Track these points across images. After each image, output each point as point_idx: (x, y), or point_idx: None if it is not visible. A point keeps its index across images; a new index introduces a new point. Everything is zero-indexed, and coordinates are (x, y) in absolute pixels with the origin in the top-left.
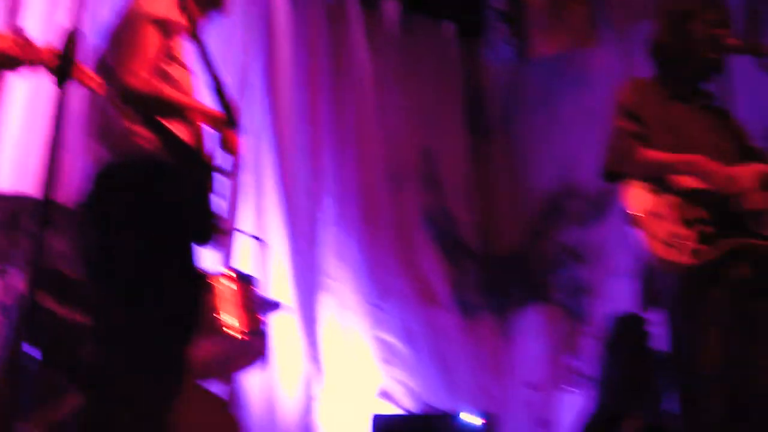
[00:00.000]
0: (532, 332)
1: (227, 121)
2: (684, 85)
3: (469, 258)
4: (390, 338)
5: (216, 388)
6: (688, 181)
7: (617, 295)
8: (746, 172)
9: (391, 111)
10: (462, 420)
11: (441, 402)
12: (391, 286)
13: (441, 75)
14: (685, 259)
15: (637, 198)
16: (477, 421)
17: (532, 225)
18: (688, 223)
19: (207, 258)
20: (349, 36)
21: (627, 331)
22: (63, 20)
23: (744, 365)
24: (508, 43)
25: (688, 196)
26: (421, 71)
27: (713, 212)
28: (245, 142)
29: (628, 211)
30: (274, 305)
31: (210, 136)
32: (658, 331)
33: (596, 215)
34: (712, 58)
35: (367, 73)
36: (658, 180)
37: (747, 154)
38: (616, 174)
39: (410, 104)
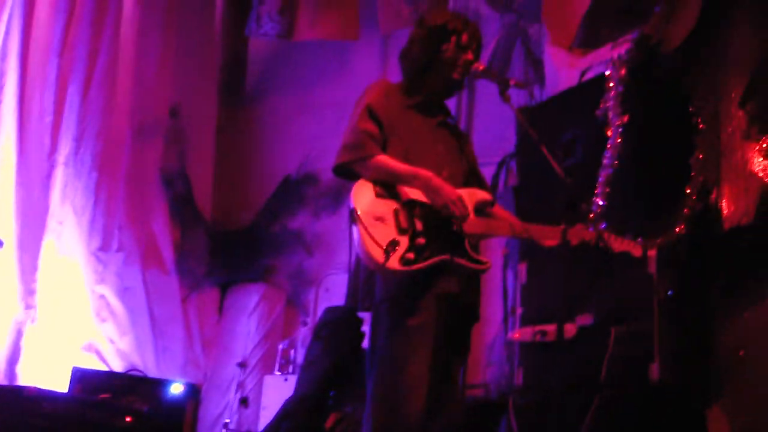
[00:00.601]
0: (250, 312)
1: None
2: (427, 98)
3: (200, 226)
4: (107, 293)
5: None
6: (413, 192)
7: (338, 289)
8: (467, 196)
9: (148, 61)
10: (164, 386)
11: (148, 365)
12: (115, 240)
13: (204, 36)
14: (395, 265)
15: (361, 197)
16: (179, 389)
17: (267, 205)
18: (403, 231)
19: None
20: None
21: (339, 326)
22: None
23: (440, 376)
24: (273, 20)
25: (410, 205)
26: (186, 28)
27: (430, 226)
28: None
29: (351, 208)
30: None
31: None
32: (368, 330)
33: (332, 207)
34: (457, 79)
35: (130, 16)
36: (385, 184)
37: (472, 178)
38: (346, 170)
39: (168, 59)
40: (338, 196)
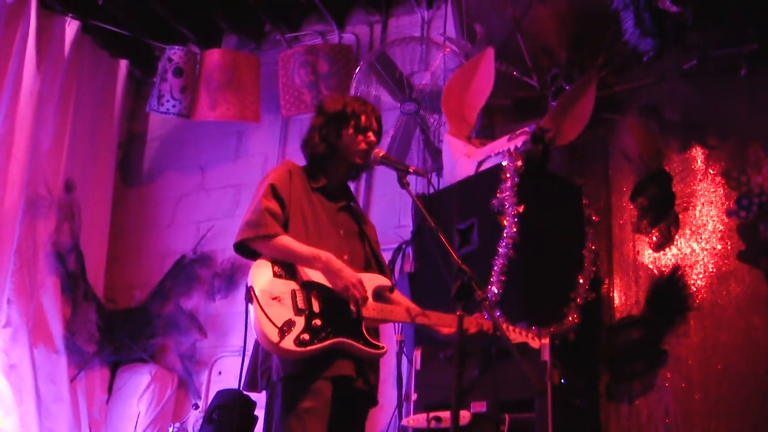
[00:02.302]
0: (140, 393)
1: None
2: (330, 183)
3: (92, 303)
4: None
5: None
6: (312, 273)
7: (231, 371)
8: (367, 280)
9: (45, 134)
10: None
11: None
12: (3, 315)
13: (104, 111)
14: (289, 345)
15: (259, 276)
16: None
17: (161, 285)
18: (300, 311)
19: None
20: (23, 41)
21: (231, 410)
22: None
23: None
24: (175, 98)
25: (308, 287)
26: (85, 102)
27: (328, 308)
28: None
29: (248, 286)
30: None
31: None
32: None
33: (226, 288)
34: (359, 164)
35: (29, 86)
36: (284, 264)
37: (372, 263)
38: (246, 247)
39: (65, 132)
40: (233, 278)
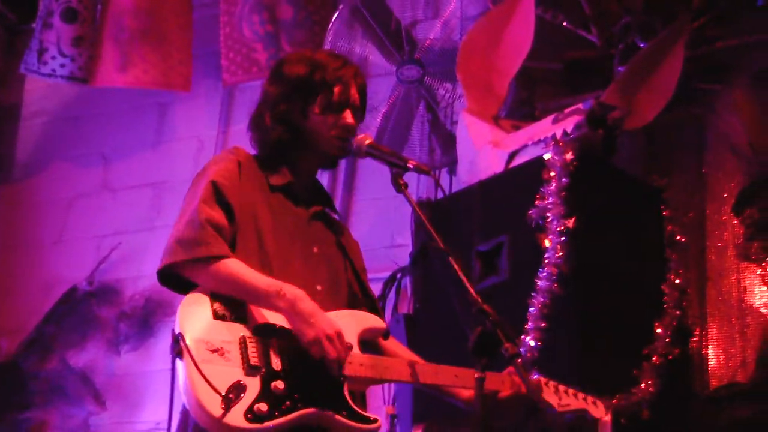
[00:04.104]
0: None
1: None
2: (296, 177)
3: None
4: None
5: None
6: (270, 313)
7: None
8: (351, 322)
9: None
10: None
11: None
12: None
13: None
14: (238, 421)
15: (192, 318)
16: None
17: (40, 329)
18: (253, 370)
19: None
20: None
21: None
22: None
23: None
24: (64, 54)
25: (264, 333)
26: None
27: (294, 364)
28: None
29: (176, 333)
30: None
31: None
32: None
33: (138, 336)
34: (333, 156)
35: None
36: (229, 300)
37: (358, 296)
38: (175, 276)
39: None
40: (148, 321)
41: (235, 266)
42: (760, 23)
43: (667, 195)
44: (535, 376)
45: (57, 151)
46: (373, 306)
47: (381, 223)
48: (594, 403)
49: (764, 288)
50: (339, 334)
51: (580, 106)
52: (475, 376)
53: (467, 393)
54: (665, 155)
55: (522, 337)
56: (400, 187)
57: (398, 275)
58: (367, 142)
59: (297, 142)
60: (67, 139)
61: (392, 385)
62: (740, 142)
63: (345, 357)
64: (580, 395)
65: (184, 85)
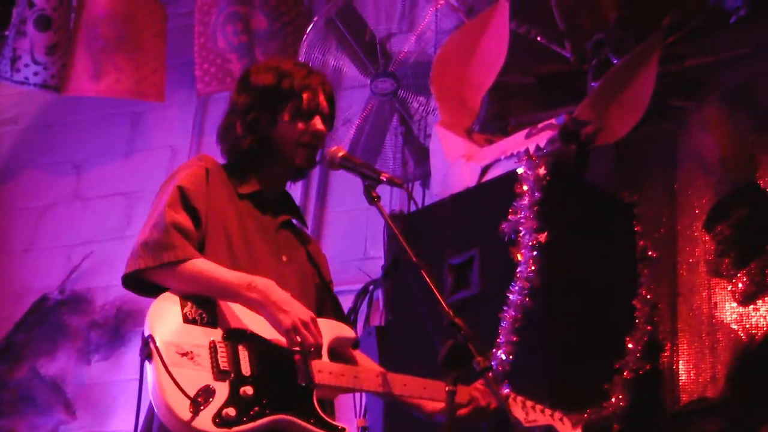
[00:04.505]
0: None
1: None
2: (264, 186)
3: None
4: None
5: None
6: (243, 316)
7: None
8: (322, 329)
9: None
10: None
11: None
12: None
13: None
14: (206, 425)
15: (163, 321)
16: None
17: (10, 338)
18: (223, 374)
19: None
20: None
21: None
22: None
23: None
24: (38, 62)
25: (235, 337)
26: None
27: (264, 369)
28: None
29: (146, 336)
30: None
31: None
32: None
33: (108, 345)
34: (299, 165)
35: None
36: (199, 301)
37: (326, 306)
38: (142, 281)
39: None
40: (119, 330)
41: (203, 264)
42: (733, 40)
43: (639, 210)
44: (505, 391)
45: (29, 159)
46: (342, 316)
47: (353, 235)
48: (561, 420)
49: (735, 304)
50: (314, 320)
51: (553, 120)
52: (447, 389)
53: (432, 406)
54: (637, 171)
55: (493, 350)
56: (372, 200)
57: (370, 287)
58: (341, 154)
59: (266, 151)
60: (39, 148)
61: (364, 397)
62: (712, 159)
63: (322, 343)
64: (548, 411)
65: (158, 95)
